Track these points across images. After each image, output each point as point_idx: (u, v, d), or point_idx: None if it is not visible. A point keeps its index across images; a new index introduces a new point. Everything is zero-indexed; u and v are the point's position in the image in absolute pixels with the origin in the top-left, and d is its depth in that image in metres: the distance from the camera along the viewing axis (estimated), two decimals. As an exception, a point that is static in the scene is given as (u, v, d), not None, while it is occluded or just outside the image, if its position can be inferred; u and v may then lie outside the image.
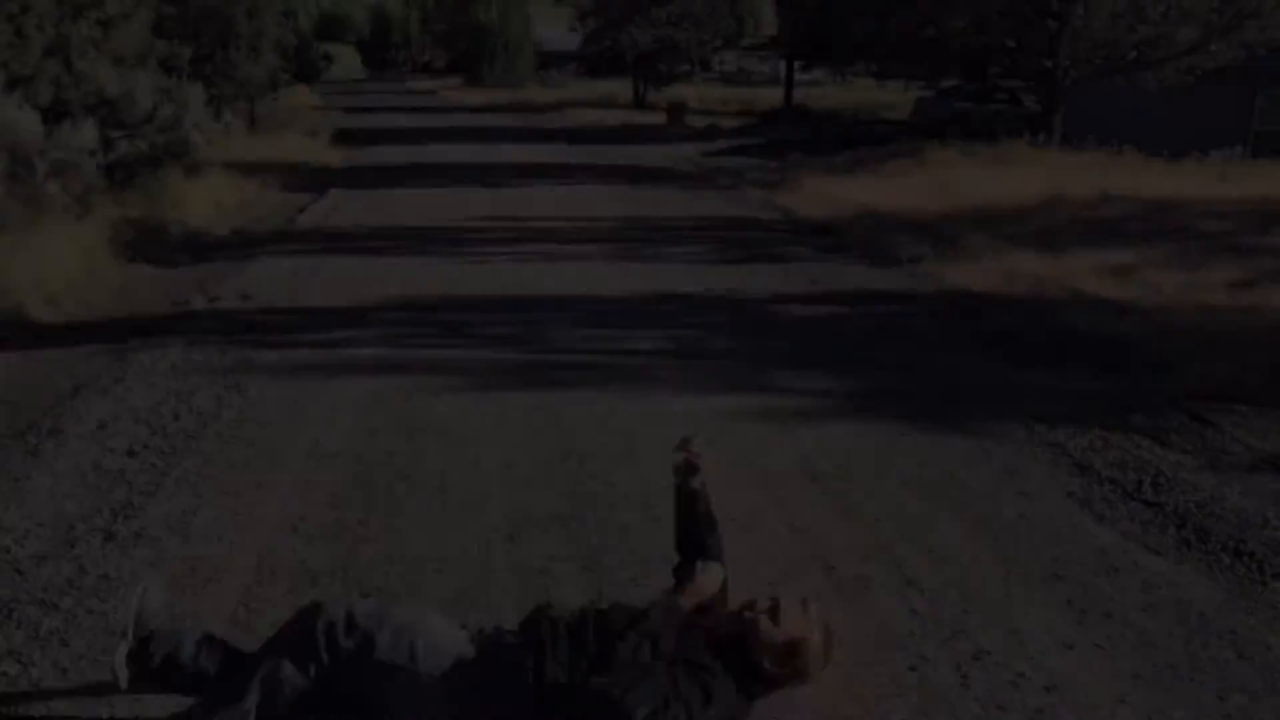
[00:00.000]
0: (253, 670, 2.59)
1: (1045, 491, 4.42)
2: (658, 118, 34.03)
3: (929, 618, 3.38)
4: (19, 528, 3.88)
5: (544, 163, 19.56)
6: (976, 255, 9.49)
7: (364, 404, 5.36)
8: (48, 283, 7.74)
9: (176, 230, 10.81)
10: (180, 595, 3.39)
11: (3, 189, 9.08)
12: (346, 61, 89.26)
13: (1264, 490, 4.47)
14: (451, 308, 7.60)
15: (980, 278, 8.76)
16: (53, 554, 3.69)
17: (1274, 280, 8.25)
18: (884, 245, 10.33)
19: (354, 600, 2.90)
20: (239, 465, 4.52)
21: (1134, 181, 14.05)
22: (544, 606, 2.79)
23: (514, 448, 4.77)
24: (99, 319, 7.34)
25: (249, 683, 2.56)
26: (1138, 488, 4.47)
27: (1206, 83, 18.47)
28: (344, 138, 25.94)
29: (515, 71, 52.59)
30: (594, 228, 11.57)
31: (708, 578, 2.83)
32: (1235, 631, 3.35)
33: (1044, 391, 5.74)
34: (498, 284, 8.39)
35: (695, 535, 2.97)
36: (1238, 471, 4.68)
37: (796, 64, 37.97)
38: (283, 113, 29.92)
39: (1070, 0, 17.91)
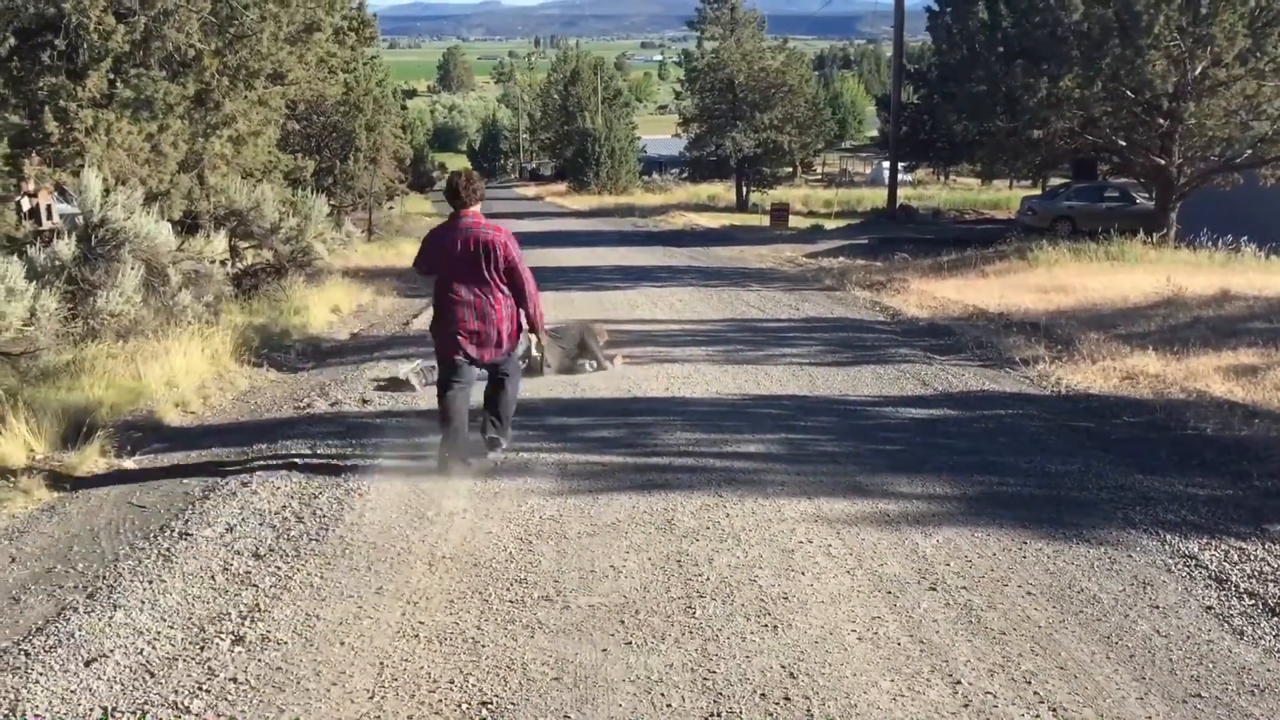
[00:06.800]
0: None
1: (1180, 605, 4.24)
2: (761, 219, 34.47)
3: (1062, 738, 3.25)
4: (151, 629, 4.01)
5: (648, 265, 19.87)
6: (1093, 356, 9.26)
7: (477, 507, 5.44)
8: (178, 387, 8.10)
9: (298, 336, 11.27)
10: (304, 698, 3.46)
11: (139, 298, 9.56)
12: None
13: None
14: (559, 411, 7.69)
15: (1099, 379, 8.55)
16: (183, 656, 3.79)
17: None
18: (996, 346, 10.16)
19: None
20: (360, 569, 4.61)
21: (1255, 279, 13.67)
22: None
23: (627, 552, 4.76)
24: (226, 422, 7.63)
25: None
26: (1280, 602, 4.26)
27: (1328, 176, 17.99)
28: (455, 243, 26.68)
29: (620, 176, 53.86)
30: (699, 330, 11.66)
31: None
32: (1398, 761, 3.14)
33: (1173, 498, 5.53)
34: (604, 386, 8.48)
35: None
36: (1389, 585, 4.43)
37: (900, 164, 38.19)
38: (399, 220, 31.12)
39: (1182, 98, 17.67)
